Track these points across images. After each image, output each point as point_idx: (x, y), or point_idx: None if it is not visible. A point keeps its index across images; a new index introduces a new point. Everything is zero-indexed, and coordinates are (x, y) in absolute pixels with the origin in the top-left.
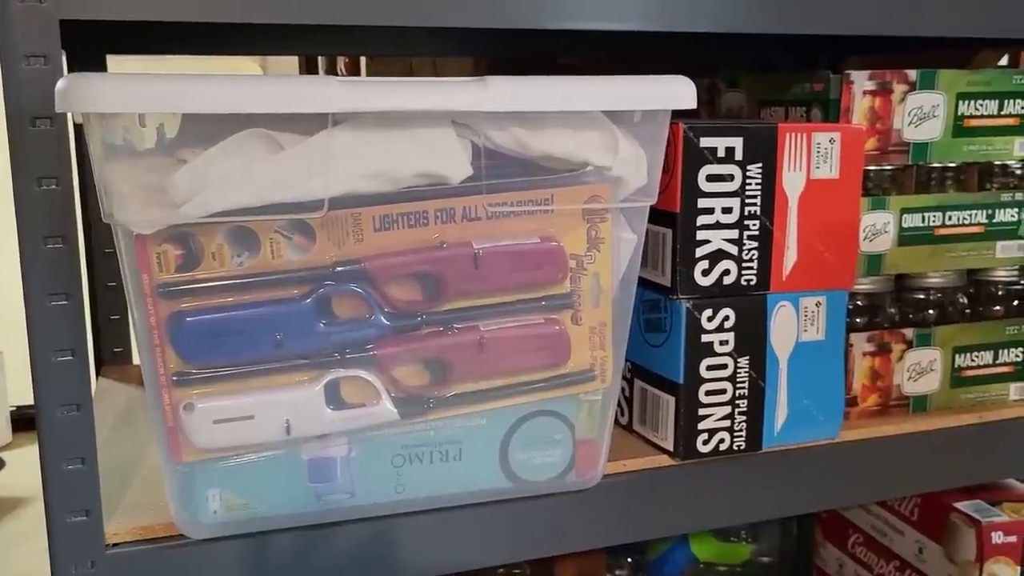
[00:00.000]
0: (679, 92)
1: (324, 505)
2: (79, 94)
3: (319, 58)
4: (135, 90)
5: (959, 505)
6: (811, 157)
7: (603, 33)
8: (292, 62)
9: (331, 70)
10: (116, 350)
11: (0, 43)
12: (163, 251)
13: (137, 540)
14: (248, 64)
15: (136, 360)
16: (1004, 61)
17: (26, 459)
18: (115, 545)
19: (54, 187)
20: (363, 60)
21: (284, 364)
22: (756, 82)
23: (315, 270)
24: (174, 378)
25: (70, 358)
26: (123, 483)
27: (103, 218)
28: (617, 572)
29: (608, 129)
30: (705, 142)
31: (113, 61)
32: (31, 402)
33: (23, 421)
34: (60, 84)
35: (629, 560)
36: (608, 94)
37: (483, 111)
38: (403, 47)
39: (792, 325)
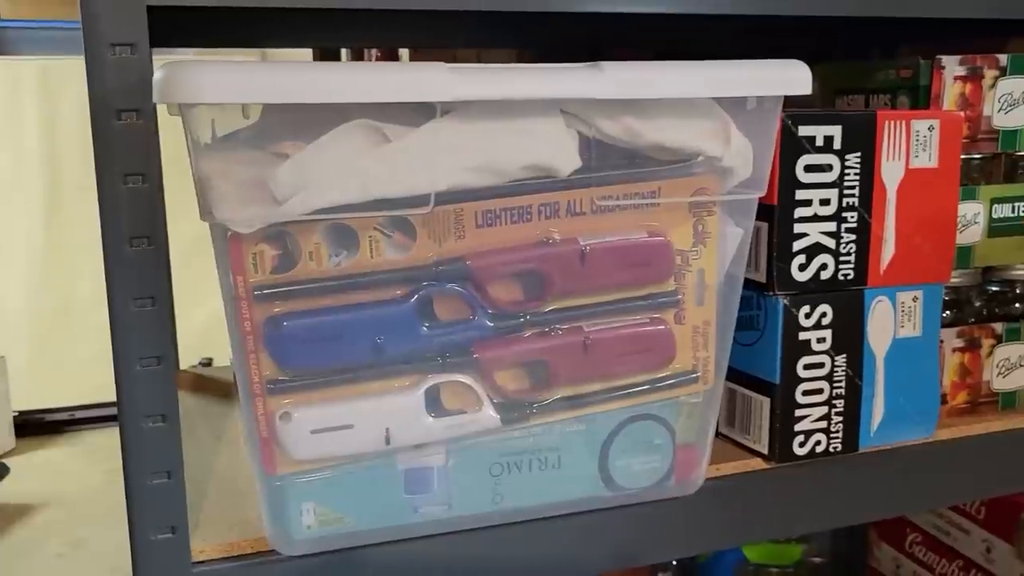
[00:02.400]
0: (796, 77)
1: (420, 517)
2: (183, 84)
3: (342, 51)
4: (245, 80)
5: None
6: (910, 146)
7: (644, 18)
8: (297, 56)
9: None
10: None
11: (85, 31)
12: (259, 251)
13: (225, 557)
14: (246, 57)
15: (184, 365)
16: None
17: (31, 465)
18: (202, 563)
19: (141, 184)
20: (403, 53)
21: (383, 369)
22: (831, 70)
23: (415, 270)
24: (269, 386)
25: (156, 366)
26: (198, 496)
27: (200, 217)
28: (660, 575)
29: (720, 117)
30: (804, 131)
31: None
32: (34, 407)
33: (26, 426)
34: (159, 73)
35: (674, 562)
36: (726, 79)
37: (598, 98)
38: (444, 37)
39: (889, 321)
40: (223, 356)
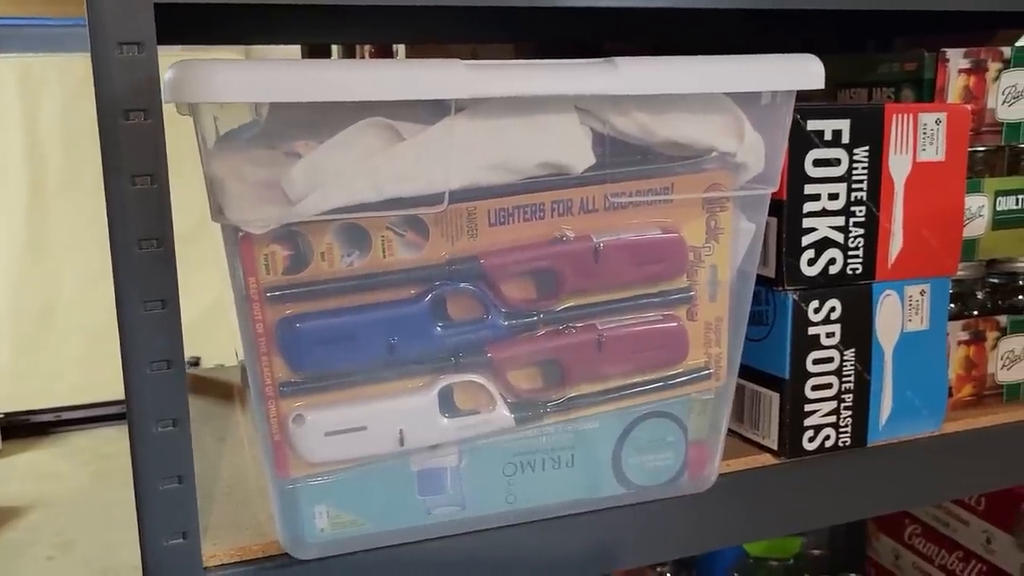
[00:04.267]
0: (810, 71)
1: (433, 518)
2: (197, 83)
3: (332, 47)
4: (259, 78)
5: None
6: (917, 139)
7: (640, 12)
8: (282, 53)
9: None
10: None
11: (92, 30)
12: (271, 252)
13: (237, 562)
14: (229, 54)
15: None
16: (1022, 42)
17: (18, 467)
18: (214, 568)
19: (149, 185)
20: (397, 49)
21: (397, 370)
22: (831, 63)
23: (428, 269)
24: (281, 388)
25: (166, 369)
26: (206, 499)
27: (212, 218)
28: (659, 569)
29: (734, 112)
30: (812, 125)
31: None
32: (19, 409)
33: (13, 428)
34: (170, 72)
35: None
36: (740, 74)
37: (614, 95)
38: (439, 32)
39: (897, 315)
40: (209, 355)
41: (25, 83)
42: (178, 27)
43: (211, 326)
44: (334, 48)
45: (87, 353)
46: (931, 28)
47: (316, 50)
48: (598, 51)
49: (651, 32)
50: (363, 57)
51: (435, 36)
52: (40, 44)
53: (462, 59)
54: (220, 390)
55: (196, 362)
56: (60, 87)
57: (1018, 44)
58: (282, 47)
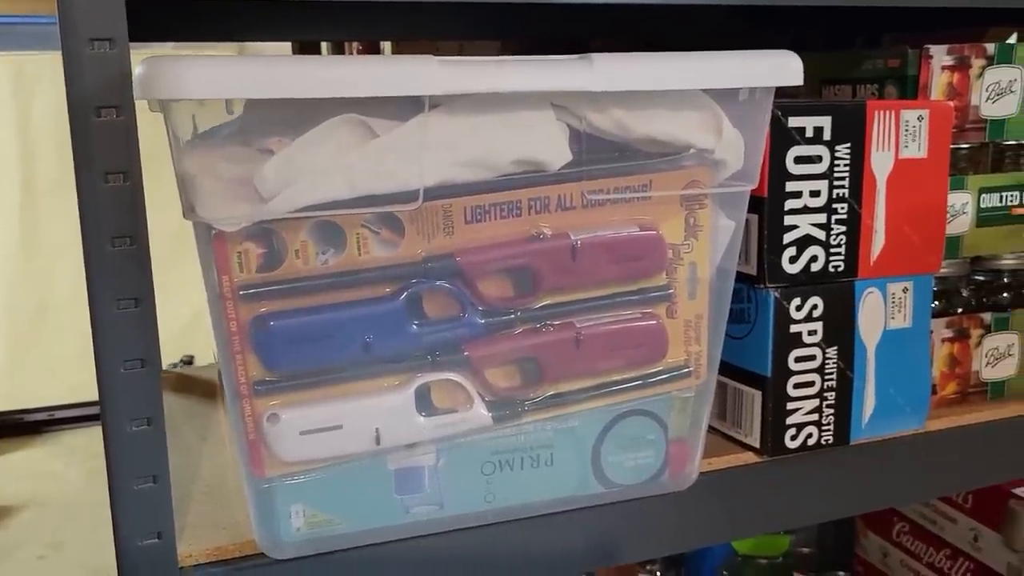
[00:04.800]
0: (788, 67)
1: (411, 518)
2: (165, 79)
3: (322, 44)
4: (228, 74)
5: (1018, 491)
6: (899, 136)
7: (626, 8)
8: (275, 50)
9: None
10: None
11: (62, 26)
12: (244, 250)
13: (213, 562)
14: (221, 51)
15: (164, 362)
16: (1013, 39)
17: (10, 466)
18: (189, 568)
19: (122, 183)
20: (384, 46)
21: (372, 369)
22: (816, 60)
23: (404, 267)
24: (256, 387)
25: (140, 368)
26: (184, 498)
27: (183, 216)
28: (648, 567)
29: (711, 109)
30: (793, 122)
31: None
32: (12, 407)
33: (6, 427)
34: (140, 69)
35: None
36: (717, 70)
37: (591, 91)
38: (426, 29)
39: (880, 312)
40: (204, 353)
41: (18, 81)
42: (168, 24)
43: (205, 325)
44: (323, 45)
45: (80, 352)
46: (922, 26)
47: (306, 47)
48: (587, 49)
49: (641, 29)
50: (351, 54)
51: (424, 33)
52: (33, 42)
53: (449, 56)
54: (205, 388)
55: (190, 360)
56: (53, 85)
57: (1007, 42)
58: (273, 44)
